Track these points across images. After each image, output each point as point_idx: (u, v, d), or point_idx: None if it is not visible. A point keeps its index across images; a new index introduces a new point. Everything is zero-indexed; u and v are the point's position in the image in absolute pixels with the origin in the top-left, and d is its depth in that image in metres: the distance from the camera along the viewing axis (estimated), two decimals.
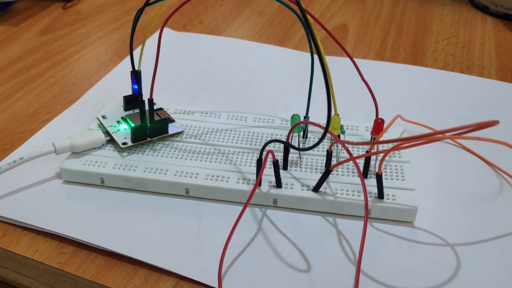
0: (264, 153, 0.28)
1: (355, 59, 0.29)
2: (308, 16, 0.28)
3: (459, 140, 0.34)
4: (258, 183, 0.28)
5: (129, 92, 0.35)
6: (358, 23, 0.54)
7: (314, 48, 0.23)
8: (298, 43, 0.49)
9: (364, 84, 0.29)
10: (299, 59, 0.45)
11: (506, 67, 0.45)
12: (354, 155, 0.28)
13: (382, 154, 0.27)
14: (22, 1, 0.57)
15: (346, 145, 0.27)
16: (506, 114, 0.38)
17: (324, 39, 0.48)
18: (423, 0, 0.60)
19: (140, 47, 0.30)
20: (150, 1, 0.28)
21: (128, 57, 0.45)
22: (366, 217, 0.26)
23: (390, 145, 0.29)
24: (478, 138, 0.24)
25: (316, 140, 0.32)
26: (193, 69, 0.44)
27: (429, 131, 0.34)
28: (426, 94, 0.41)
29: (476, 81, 0.43)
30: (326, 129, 0.23)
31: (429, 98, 0.40)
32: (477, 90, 0.41)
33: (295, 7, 0.26)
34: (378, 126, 0.28)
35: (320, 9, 0.57)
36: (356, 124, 0.34)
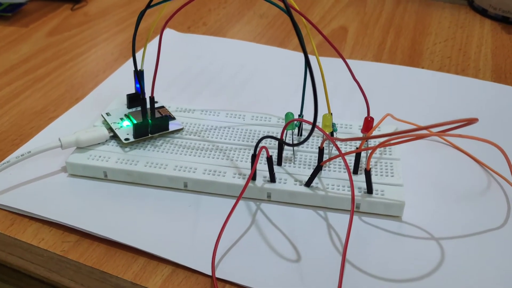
0: (258, 149, 0.29)
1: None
2: (304, 21, 0.29)
3: (448, 139, 0.35)
4: (252, 177, 0.29)
5: (133, 91, 0.37)
6: (358, 26, 0.55)
7: (302, 49, 0.24)
8: (297, 45, 0.50)
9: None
10: (298, 60, 0.47)
11: (501, 69, 0.46)
12: (345, 152, 0.29)
13: (371, 151, 0.28)
14: (32, 2, 0.59)
15: (337, 142, 0.28)
16: (497, 115, 0.39)
17: (323, 41, 0.49)
18: (422, 3, 0.61)
19: (143, 48, 0.32)
20: (152, 3, 0.30)
21: None
22: (352, 210, 0.27)
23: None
24: (460, 136, 0.25)
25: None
26: (196, 69, 0.45)
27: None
28: (421, 94, 0.42)
29: (470, 82, 0.44)
30: (313, 124, 0.24)
31: (423, 99, 0.41)
32: (471, 91, 0.42)
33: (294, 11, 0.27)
34: (368, 124, 0.29)
35: (321, 12, 0.58)
36: (349, 123, 0.36)
